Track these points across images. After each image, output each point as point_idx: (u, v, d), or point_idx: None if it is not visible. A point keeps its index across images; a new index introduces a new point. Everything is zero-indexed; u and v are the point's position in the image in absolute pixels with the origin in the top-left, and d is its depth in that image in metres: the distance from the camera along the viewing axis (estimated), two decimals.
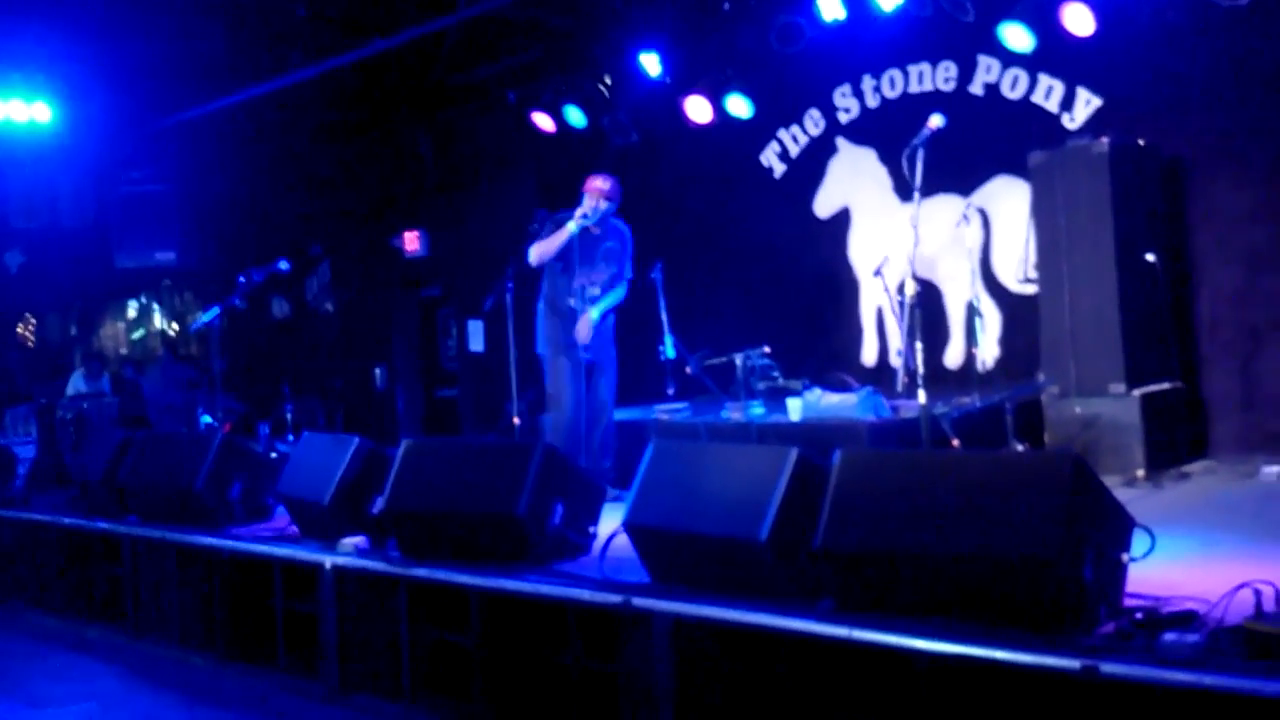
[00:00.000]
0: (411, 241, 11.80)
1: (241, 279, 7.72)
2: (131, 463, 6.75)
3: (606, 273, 6.87)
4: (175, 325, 14.50)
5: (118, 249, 12.34)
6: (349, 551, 5.22)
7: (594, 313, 6.75)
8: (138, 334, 16.00)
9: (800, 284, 9.30)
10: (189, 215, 12.12)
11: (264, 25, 10.01)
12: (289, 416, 9.41)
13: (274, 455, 7.46)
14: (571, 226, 6.68)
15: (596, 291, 6.83)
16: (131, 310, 16.01)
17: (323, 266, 12.41)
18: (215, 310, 7.64)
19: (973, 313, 7.51)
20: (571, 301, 6.81)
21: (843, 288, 9.09)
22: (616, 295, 6.95)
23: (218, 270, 11.17)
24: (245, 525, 6.21)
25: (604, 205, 6.77)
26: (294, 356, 12.23)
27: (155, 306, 15.49)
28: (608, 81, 9.59)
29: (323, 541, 5.46)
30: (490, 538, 4.82)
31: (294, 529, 5.90)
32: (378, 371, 11.85)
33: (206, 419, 9.72)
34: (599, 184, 6.81)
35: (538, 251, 6.81)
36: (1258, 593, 3.21)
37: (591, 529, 4.98)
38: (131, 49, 10.13)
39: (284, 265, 7.86)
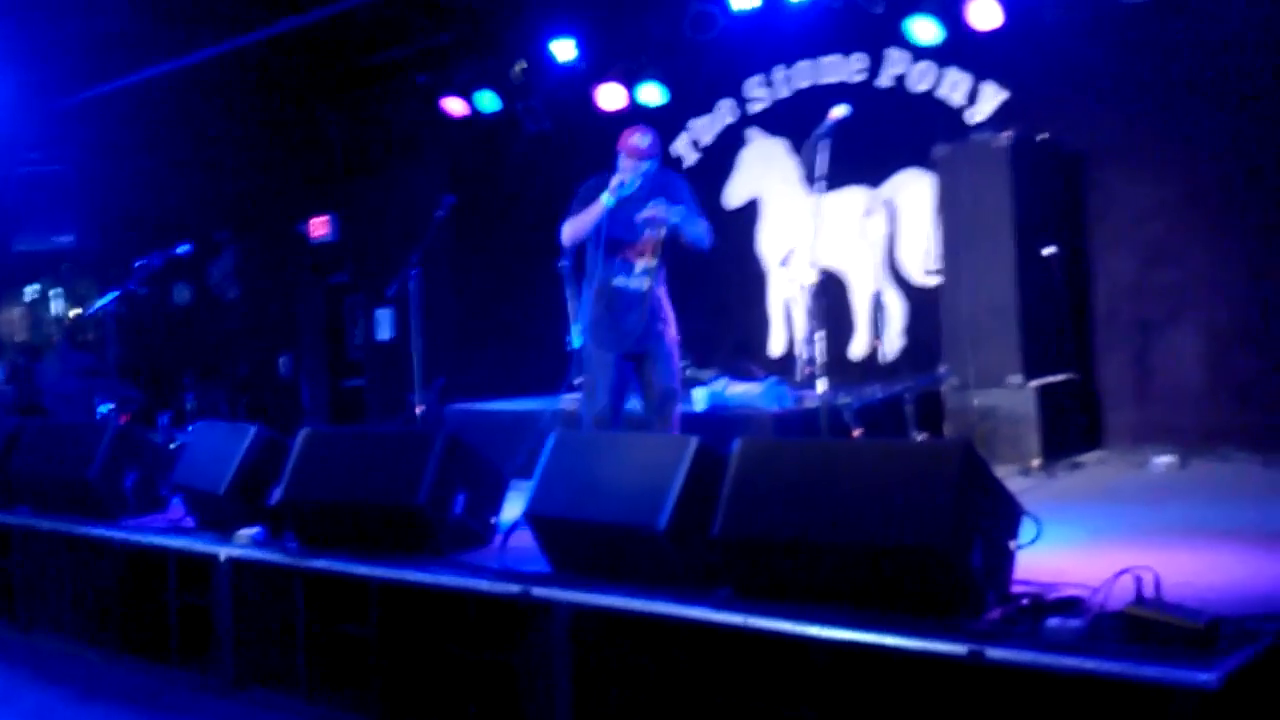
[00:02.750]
0: (319, 227, 11.63)
1: (140, 263, 7.54)
2: (23, 452, 6.57)
3: (655, 242, 5.80)
4: (74, 311, 14.12)
5: (15, 232, 11.97)
6: (245, 543, 5.14)
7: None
8: (36, 319, 15.57)
9: (709, 274, 9.29)
10: (89, 198, 11.78)
11: (171, 2, 9.78)
12: (189, 405, 9.23)
13: (173, 445, 7.31)
14: (606, 199, 5.66)
15: (650, 263, 5.80)
16: (29, 295, 15.58)
17: (227, 252, 12.18)
18: (112, 295, 7.46)
19: (877, 304, 7.61)
20: (616, 281, 5.80)
21: (751, 278, 9.15)
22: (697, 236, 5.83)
23: (118, 254, 10.90)
24: (140, 516, 6.06)
25: (644, 166, 5.71)
26: (197, 344, 12.00)
27: (54, 291, 15.08)
28: (521, 66, 9.53)
29: (219, 533, 5.36)
30: (390, 528, 4.77)
31: (190, 520, 5.78)
32: (282, 360, 11.66)
33: (105, 407, 9.48)
34: (635, 141, 5.73)
35: (570, 230, 5.86)
36: (1139, 579, 3.29)
37: (493, 519, 4.95)
38: (33, 24, 9.83)
39: (184, 249, 7.69)
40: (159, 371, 11.27)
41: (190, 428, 8.74)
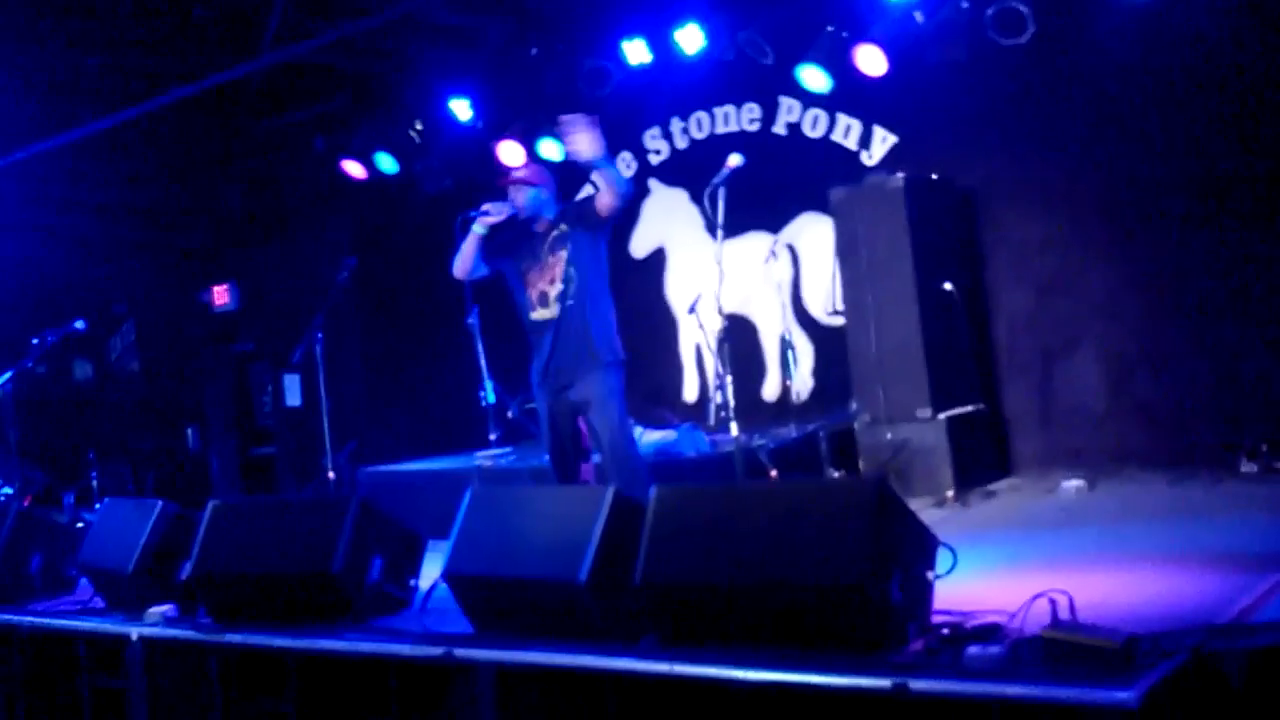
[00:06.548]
0: (220, 295, 11.46)
1: (35, 341, 7.37)
2: None
3: (560, 262, 5.54)
4: None
5: None
6: (156, 621, 5.00)
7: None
8: None
9: (619, 323, 9.36)
10: None
11: (53, 76, 9.59)
12: (94, 484, 8.99)
13: (79, 525, 7.11)
14: (476, 228, 5.55)
15: (558, 287, 5.51)
16: None
17: (126, 325, 11.95)
18: (7, 375, 7.28)
19: (786, 346, 7.69)
20: (533, 314, 5.60)
21: (661, 326, 9.19)
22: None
23: (14, 333, 10.63)
24: (46, 600, 5.90)
25: (525, 197, 5.60)
26: (99, 420, 11.72)
27: None
28: (419, 127, 9.52)
29: (129, 612, 5.22)
30: (306, 597, 4.68)
31: (99, 601, 5.63)
32: (190, 432, 11.43)
33: (6, 490, 9.20)
34: (515, 172, 5.76)
35: (456, 265, 5.73)
36: (1053, 602, 3.35)
37: (413, 581, 4.89)
38: None
39: (80, 325, 7.54)
40: (62, 450, 10.98)
41: (96, 506, 8.53)
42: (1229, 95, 6.63)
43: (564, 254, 5.56)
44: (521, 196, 5.62)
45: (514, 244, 5.69)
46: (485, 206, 5.59)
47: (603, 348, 5.50)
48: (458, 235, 5.76)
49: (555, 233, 5.63)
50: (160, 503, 5.40)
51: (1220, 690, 3.07)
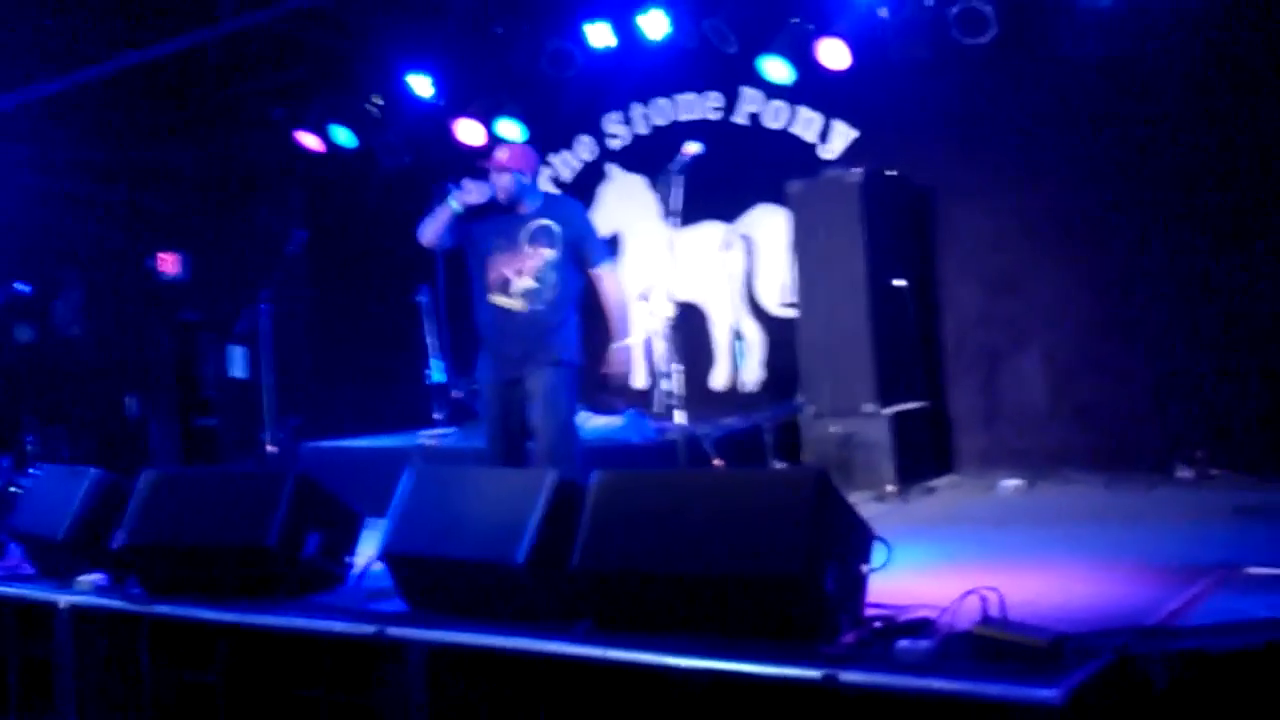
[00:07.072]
0: (169, 263, 11.31)
1: None
2: None
3: (540, 260, 5.45)
4: None
5: None
6: (86, 590, 4.93)
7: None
8: None
9: None
10: None
11: (10, 35, 9.41)
12: (30, 448, 8.85)
13: (13, 490, 6.99)
14: (453, 205, 5.43)
15: (529, 284, 5.45)
16: None
17: (71, 289, 11.76)
18: None
19: (736, 336, 7.70)
20: (491, 297, 5.51)
21: None
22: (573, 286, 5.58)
23: None
24: None
25: (508, 180, 5.45)
26: (39, 385, 11.54)
27: None
28: (378, 102, 9.44)
29: (59, 580, 5.13)
30: (240, 571, 4.62)
31: (29, 568, 5.53)
32: (131, 400, 11.28)
33: None
34: (498, 155, 5.50)
35: (422, 231, 5.60)
36: (984, 599, 3.37)
37: (348, 559, 4.85)
38: None
39: (21, 287, 7.39)
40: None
41: (30, 471, 8.39)
42: (1186, 103, 6.70)
43: (547, 253, 5.47)
44: (506, 181, 5.46)
45: (485, 219, 5.55)
46: (465, 183, 5.45)
47: (563, 349, 5.50)
48: (433, 201, 5.63)
49: (540, 224, 5.51)
50: (94, 469, 5.32)
51: (1143, 691, 3.10)
